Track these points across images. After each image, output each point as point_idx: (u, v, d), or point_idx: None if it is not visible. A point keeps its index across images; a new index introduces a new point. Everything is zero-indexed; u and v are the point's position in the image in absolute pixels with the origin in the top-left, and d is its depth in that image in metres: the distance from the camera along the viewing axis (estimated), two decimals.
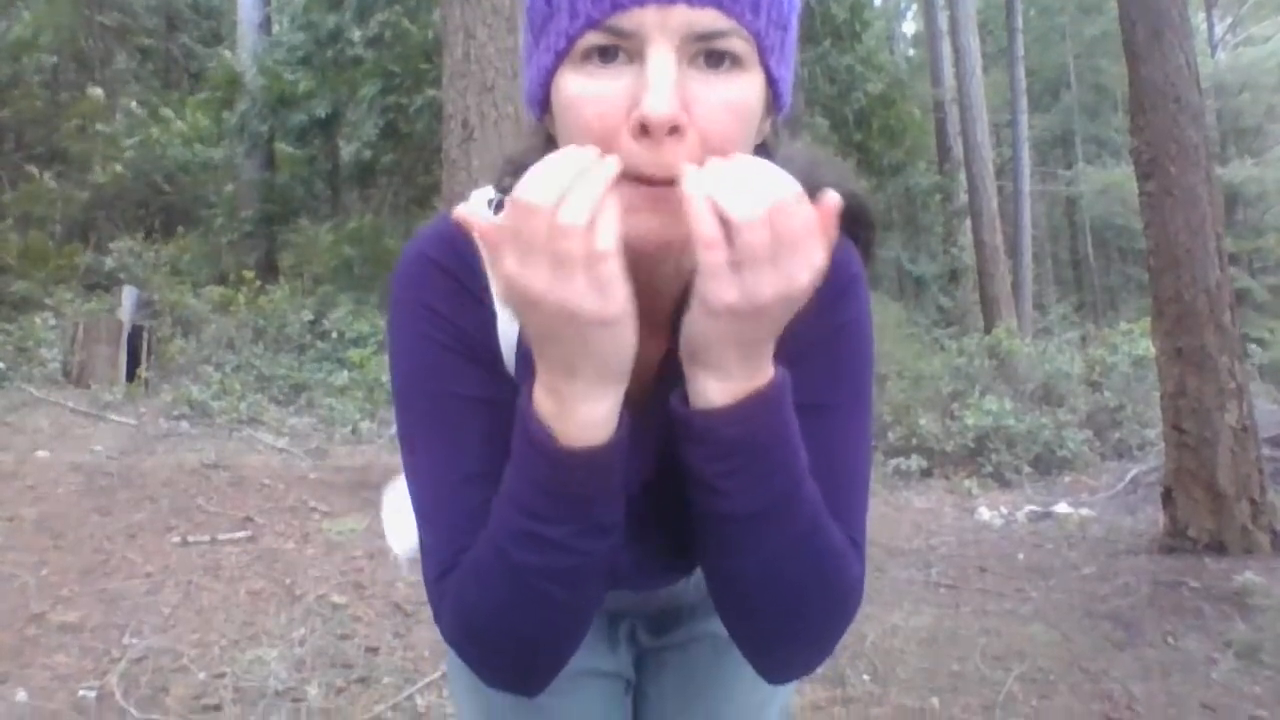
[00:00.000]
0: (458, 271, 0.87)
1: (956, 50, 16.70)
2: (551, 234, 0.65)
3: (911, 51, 26.19)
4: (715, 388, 0.75)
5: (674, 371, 0.80)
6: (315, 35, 12.06)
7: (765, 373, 0.75)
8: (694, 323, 0.72)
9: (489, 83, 5.45)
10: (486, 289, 0.87)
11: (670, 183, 0.70)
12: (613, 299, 0.67)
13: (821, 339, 0.87)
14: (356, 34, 11.42)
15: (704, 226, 0.66)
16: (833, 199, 0.69)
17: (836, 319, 0.89)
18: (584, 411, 0.73)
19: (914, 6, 27.07)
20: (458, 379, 0.86)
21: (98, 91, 12.85)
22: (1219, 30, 24.04)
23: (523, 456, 0.77)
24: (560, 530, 0.77)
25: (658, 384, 0.86)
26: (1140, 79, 5.12)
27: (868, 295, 0.93)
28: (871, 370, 0.93)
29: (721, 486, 0.78)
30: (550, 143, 0.82)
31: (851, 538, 0.87)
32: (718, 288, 0.68)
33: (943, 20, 18.32)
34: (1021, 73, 17.46)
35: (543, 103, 0.80)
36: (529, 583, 0.78)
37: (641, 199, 0.71)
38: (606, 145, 0.71)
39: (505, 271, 0.68)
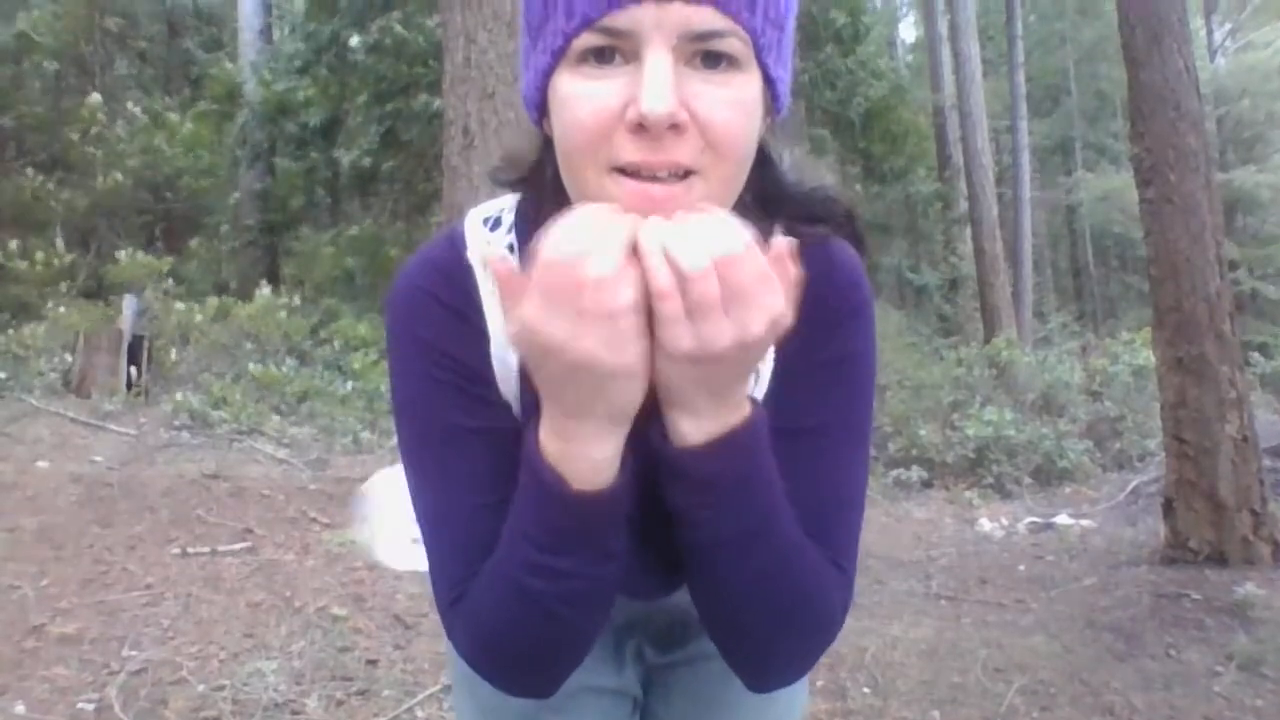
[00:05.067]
0: (452, 300, 0.88)
1: (956, 56, 16.71)
2: (576, 288, 0.67)
3: (910, 58, 26.21)
4: (689, 427, 0.76)
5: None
6: (315, 44, 12.06)
7: (739, 411, 0.77)
8: (660, 368, 0.73)
9: (490, 89, 5.44)
10: (481, 315, 0.88)
11: (669, 180, 0.72)
12: (630, 352, 0.69)
13: (821, 365, 0.88)
14: (355, 40, 11.42)
15: (657, 277, 0.68)
16: (781, 243, 0.70)
17: (839, 348, 0.89)
18: (590, 452, 0.75)
19: (912, 13, 27.13)
20: (455, 411, 0.87)
21: (96, 98, 12.79)
22: (1219, 36, 24.07)
23: (530, 494, 0.79)
24: (567, 561, 0.79)
25: (654, 402, 0.87)
26: (1140, 85, 5.11)
27: (873, 320, 0.93)
28: (870, 399, 0.93)
29: (696, 518, 0.80)
30: (548, 145, 0.83)
31: (837, 563, 0.88)
32: (674, 336, 0.69)
33: (943, 26, 18.34)
34: (1021, 79, 17.48)
35: (540, 105, 0.81)
36: (538, 606, 0.81)
37: (639, 199, 0.72)
38: (601, 143, 0.72)
39: (526, 321, 0.69)
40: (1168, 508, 5.10)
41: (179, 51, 17.46)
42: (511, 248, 0.90)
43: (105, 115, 12.86)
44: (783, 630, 0.85)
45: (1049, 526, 6.39)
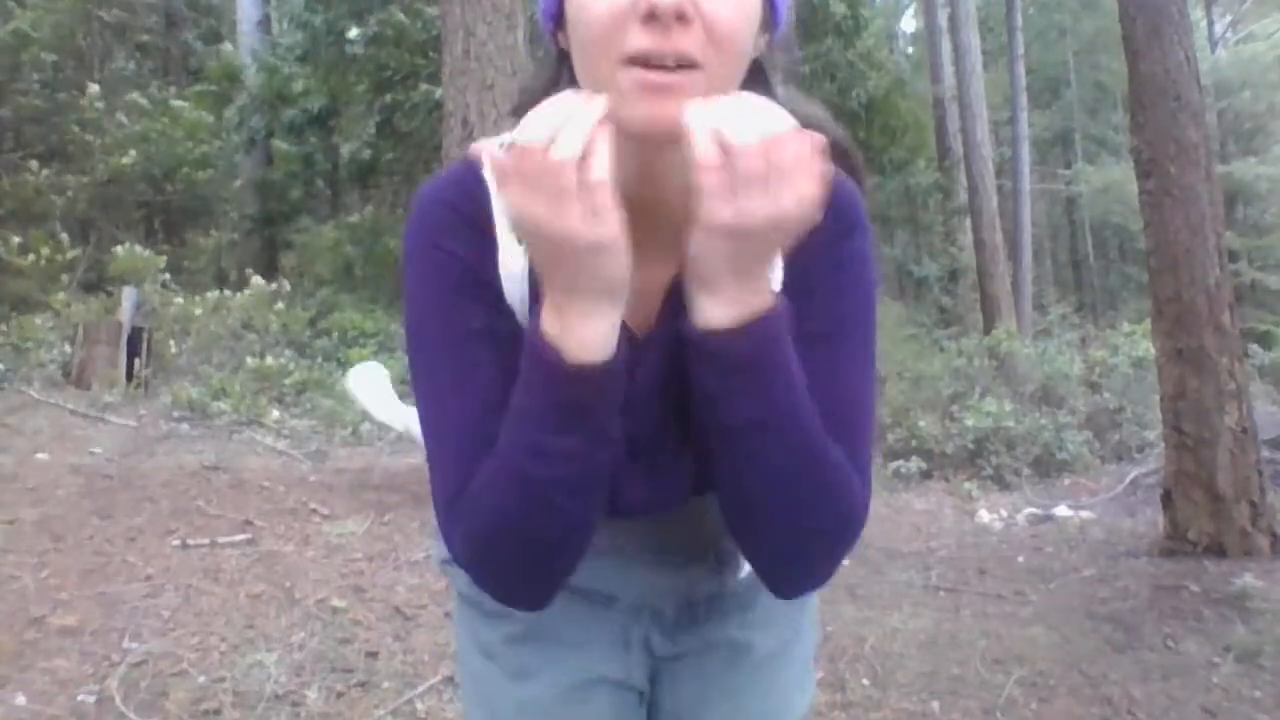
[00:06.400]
0: (464, 207, 0.94)
1: (956, 48, 16.66)
2: (547, 170, 0.73)
3: (910, 49, 26.18)
4: (714, 308, 0.81)
5: (682, 296, 0.85)
6: (312, 33, 12.05)
7: (762, 296, 0.81)
8: (693, 243, 0.79)
9: (489, 81, 5.45)
10: (492, 222, 0.93)
11: (678, 69, 0.78)
12: (605, 225, 0.74)
13: (824, 271, 0.94)
14: (354, 32, 11.41)
15: (703, 150, 0.74)
16: (817, 138, 0.76)
17: (840, 254, 0.95)
18: (584, 329, 0.80)
19: (913, 4, 27.05)
20: (467, 315, 0.92)
21: (94, 89, 12.77)
22: (1219, 28, 24.03)
23: (531, 372, 0.83)
24: (565, 440, 0.82)
25: (667, 307, 0.93)
26: (1140, 76, 5.10)
27: (870, 237, 0.99)
28: (874, 306, 0.99)
29: (720, 398, 0.84)
30: (564, 58, 0.91)
31: (854, 461, 0.91)
32: (713, 208, 0.75)
33: (943, 18, 18.30)
34: (1021, 70, 17.42)
35: (556, 16, 0.89)
36: (536, 493, 0.84)
37: (650, 87, 0.78)
38: (614, 34, 0.79)
39: (510, 203, 0.77)
40: (1166, 499, 5.11)
41: (178, 43, 17.45)
42: None
43: (103, 105, 12.82)
44: (805, 524, 0.88)
45: (1048, 518, 6.40)
